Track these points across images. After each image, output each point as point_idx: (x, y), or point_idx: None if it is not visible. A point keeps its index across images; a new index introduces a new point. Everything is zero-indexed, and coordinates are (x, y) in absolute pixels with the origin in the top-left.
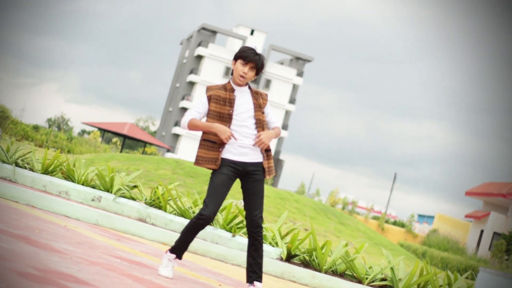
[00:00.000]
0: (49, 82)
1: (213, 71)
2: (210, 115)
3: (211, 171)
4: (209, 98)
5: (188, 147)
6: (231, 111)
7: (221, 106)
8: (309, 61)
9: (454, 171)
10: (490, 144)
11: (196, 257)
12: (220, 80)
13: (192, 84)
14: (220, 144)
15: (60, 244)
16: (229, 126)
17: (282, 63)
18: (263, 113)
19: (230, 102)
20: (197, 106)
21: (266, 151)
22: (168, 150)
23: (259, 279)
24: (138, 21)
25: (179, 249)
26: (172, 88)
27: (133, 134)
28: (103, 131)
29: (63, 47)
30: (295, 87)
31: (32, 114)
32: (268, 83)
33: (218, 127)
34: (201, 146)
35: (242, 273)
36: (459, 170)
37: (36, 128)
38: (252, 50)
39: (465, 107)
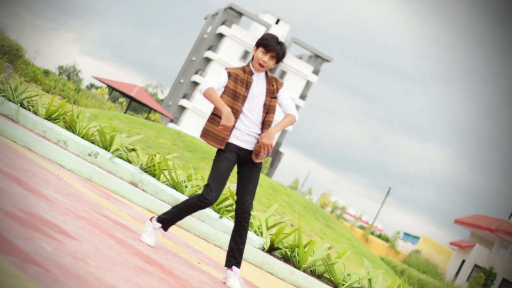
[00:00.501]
0: (69, 30)
1: (231, 52)
2: (226, 91)
3: (212, 148)
4: (229, 75)
5: (192, 121)
6: (246, 93)
7: (238, 86)
8: (327, 61)
9: (447, 197)
10: (487, 178)
11: (181, 231)
12: (236, 62)
13: (208, 60)
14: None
15: (50, 192)
16: (241, 107)
17: (300, 58)
18: (274, 98)
19: (247, 84)
20: (219, 77)
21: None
22: (172, 121)
23: (238, 265)
24: None
25: (168, 222)
26: (187, 61)
27: (140, 98)
28: (111, 89)
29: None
30: (308, 84)
31: (45, 58)
32: (283, 74)
33: (226, 112)
34: (210, 119)
35: (222, 255)
36: (453, 197)
37: (46, 72)
38: (275, 39)
39: (469, 137)
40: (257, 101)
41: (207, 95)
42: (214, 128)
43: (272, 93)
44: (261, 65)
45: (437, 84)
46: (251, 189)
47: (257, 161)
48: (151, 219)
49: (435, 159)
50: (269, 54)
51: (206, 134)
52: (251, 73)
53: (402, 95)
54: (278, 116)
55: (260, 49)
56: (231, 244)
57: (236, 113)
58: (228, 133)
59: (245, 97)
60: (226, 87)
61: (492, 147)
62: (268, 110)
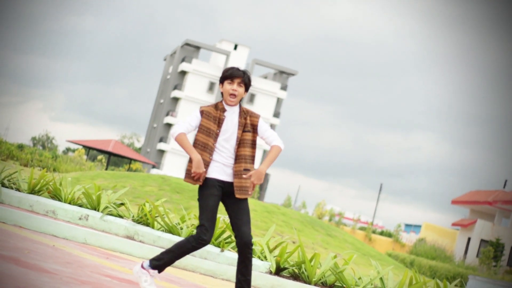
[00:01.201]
0: (34, 101)
1: (197, 87)
2: (200, 129)
3: (197, 187)
4: (202, 113)
5: (173, 163)
6: (218, 131)
7: (211, 123)
8: (293, 74)
9: (440, 181)
10: (475, 154)
11: (186, 273)
12: (204, 95)
13: (176, 99)
14: (207, 162)
15: (50, 264)
16: (214, 144)
17: (266, 77)
18: (246, 131)
19: (219, 122)
20: (190, 119)
21: (245, 170)
22: (154, 166)
23: None
24: (122, 38)
25: (163, 267)
26: (156, 104)
27: (118, 151)
28: (88, 148)
29: (48, 65)
30: (279, 101)
31: (17, 133)
32: (252, 97)
33: (195, 159)
34: (189, 160)
35: (229, 286)
36: (446, 180)
37: (21, 147)
38: (235, 68)
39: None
40: (229, 136)
41: (178, 140)
42: (191, 166)
43: (244, 126)
44: (232, 95)
45: (406, 73)
46: (245, 219)
47: (240, 197)
48: (142, 266)
49: (420, 146)
50: (235, 81)
51: (187, 174)
52: (223, 110)
53: (374, 92)
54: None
55: (226, 82)
56: (238, 276)
57: (210, 149)
58: (204, 171)
59: (217, 134)
60: (200, 125)
61: (474, 123)
62: (240, 143)
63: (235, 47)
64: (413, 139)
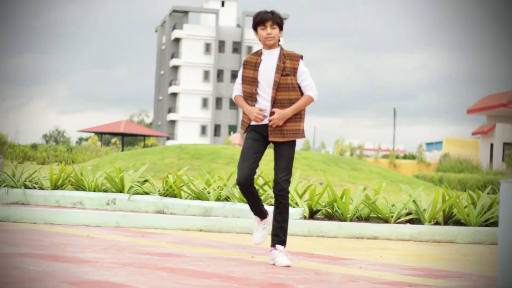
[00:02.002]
0: (38, 99)
1: (193, 51)
2: (243, 80)
3: (217, 149)
4: (243, 64)
5: (186, 130)
6: (256, 75)
7: (249, 70)
8: (285, 19)
9: (452, 93)
10: (481, 59)
11: (222, 235)
12: (202, 57)
13: (176, 68)
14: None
15: (88, 254)
16: (254, 89)
17: None
18: (285, 75)
19: (255, 66)
20: (238, 76)
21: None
22: (168, 138)
23: (282, 243)
24: (110, 19)
25: (255, 212)
26: (157, 77)
27: (130, 130)
28: (100, 134)
29: (43, 61)
30: None
31: (27, 134)
32: (250, 50)
33: (247, 110)
34: (244, 112)
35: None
36: (457, 91)
37: (34, 146)
38: (262, 11)
39: (450, 28)
40: (267, 79)
41: (236, 103)
42: (243, 116)
43: (282, 70)
44: (269, 38)
45: None
46: (282, 166)
47: (273, 139)
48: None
49: (425, 62)
50: (267, 24)
51: (241, 125)
52: (260, 54)
53: (367, 19)
54: None
55: (258, 28)
56: (274, 223)
57: (252, 96)
58: (262, 117)
59: (255, 79)
60: (242, 77)
61: (473, 28)
62: (279, 87)
63: (223, 4)
64: (417, 57)
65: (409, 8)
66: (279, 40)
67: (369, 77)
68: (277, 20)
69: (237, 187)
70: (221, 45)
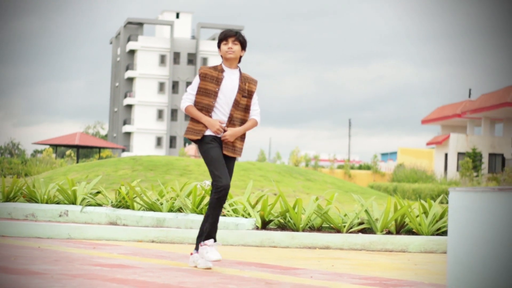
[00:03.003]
0: None
1: (148, 62)
2: (198, 91)
3: (171, 160)
4: (200, 76)
5: (142, 142)
6: (217, 89)
7: (210, 83)
8: (240, 30)
9: (408, 104)
10: (436, 70)
11: (174, 246)
12: (157, 69)
13: (131, 79)
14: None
15: (38, 265)
16: (213, 102)
17: (214, 39)
18: (244, 96)
19: (218, 81)
20: (192, 87)
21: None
22: (123, 150)
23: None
24: (67, 32)
25: (211, 232)
26: (112, 88)
27: (85, 142)
28: (55, 146)
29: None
30: None
31: None
32: (205, 61)
33: (207, 121)
34: (191, 119)
35: (221, 251)
36: (413, 102)
37: None
38: (227, 29)
39: (406, 40)
40: (229, 96)
41: (187, 113)
42: (195, 125)
43: (243, 91)
44: (229, 52)
45: (353, 7)
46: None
47: (226, 153)
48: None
49: (382, 74)
50: (230, 40)
51: (188, 131)
52: (222, 71)
53: (325, 31)
54: None
55: (222, 44)
56: (206, 227)
57: (209, 107)
58: (222, 126)
59: (216, 93)
60: (198, 88)
61: (428, 41)
62: (237, 106)
63: (177, 16)
64: (374, 69)
65: (367, 20)
66: (239, 61)
67: (327, 88)
68: (240, 38)
69: (190, 197)
70: (176, 56)
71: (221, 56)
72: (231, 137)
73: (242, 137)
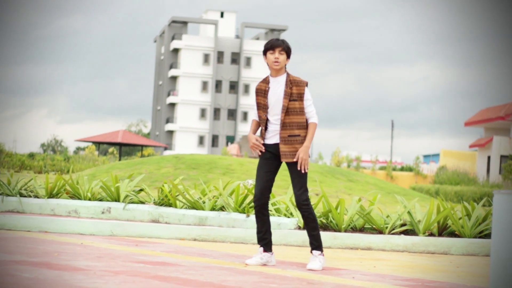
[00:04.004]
0: (38, 108)
1: (192, 61)
2: (257, 106)
3: (213, 159)
4: (256, 92)
5: (184, 140)
6: (266, 101)
7: (261, 97)
8: (284, 30)
9: (451, 106)
10: (481, 72)
11: (216, 245)
12: (200, 68)
13: (174, 78)
14: (263, 134)
15: (81, 262)
16: (265, 115)
17: (258, 38)
18: (293, 100)
19: (265, 93)
20: (255, 103)
21: (290, 136)
22: (166, 148)
23: (317, 248)
24: (112, 31)
25: (259, 241)
26: (156, 87)
27: (128, 140)
28: (97, 144)
29: (46, 71)
30: None
31: (26, 143)
32: (248, 61)
33: (248, 136)
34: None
35: None
36: (456, 104)
37: (31, 155)
38: (274, 39)
39: (451, 41)
40: (277, 106)
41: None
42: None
43: (289, 95)
44: (276, 63)
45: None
46: (295, 182)
47: (285, 160)
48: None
49: (427, 75)
50: (276, 51)
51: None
52: (268, 82)
53: (370, 30)
54: None
55: (268, 53)
56: (307, 232)
57: (263, 121)
58: (262, 144)
59: (266, 105)
60: (256, 104)
61: (473, 42)
62: (287, 111)
63: (222, 15)
64: (418, 69)
65: (412, 21)
66: (285, 67)
67: (370, 89)
68: (286, 48)
69: (233, 196)
70: (220, 55)
71: (267, 64)
72: (304, 155)
73: (303, 139)
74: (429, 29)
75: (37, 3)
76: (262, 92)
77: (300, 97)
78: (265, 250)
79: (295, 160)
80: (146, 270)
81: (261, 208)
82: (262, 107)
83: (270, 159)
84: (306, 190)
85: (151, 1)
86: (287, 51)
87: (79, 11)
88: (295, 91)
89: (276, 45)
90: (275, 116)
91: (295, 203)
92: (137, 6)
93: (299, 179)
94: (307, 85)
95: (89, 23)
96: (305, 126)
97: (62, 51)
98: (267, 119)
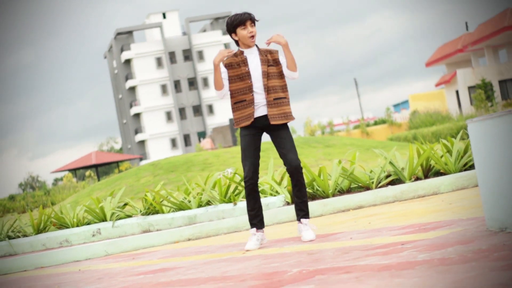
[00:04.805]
0: (8, 150)
1: (145, 68)
2: (231, 80)
3: (189, 158)
4: (226, 66)
5: (157, 147)
6: (247, 69)
7: (237, 69)
8: (228, 16)
9: (409, 51)
10: (430, 11)
11: (211, 240)
12: (155, 72)
13: (133, 88)
14: (248, 101)
15: (83, 287)
16: (250, 83)
17: (205, 30)
18: (271, 65)
19: (244, 62)
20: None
21: (276, 99)
22: (141, 159)
23: (307, 216)
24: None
25: (252, 219)
26: (117, 101)
27: (102, 160)
28: (73, 170)
29: (6, 111)
30: (227, 46)
31: (3, 186)
32: (200, 54)
33: (215, 57)
34: (233, 110)
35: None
36: (414, 48)
37: (12, 197)
38: (239, 14)
39: None
40: (257, 73)
41: (215, 85)
42: (243, 112)
43: (267, 62)
44: (252, 37)
45: None
46: (288, 146)
47: (275, 123)
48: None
49: (380, 27)
50: (247, 24)
51: (238, 121)
52: (242, 52)
53: None
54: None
55: (238, 29)
56: (295, 199)
57: (249, 89)
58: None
59: (248, 73)
60: (229, 77)
61: None
62: (268, 76)
63: (164, 16)
64: (370, 24)
65: None
66: None
67: (328, 52)
68: (254, 19)
69: (216, 189)
70: (172, 56)
71: (237, 41)
72: (279, 37)
73: (286, 101)
74: None
75: None
76: (238, 63)
77: (276, 62)
78: (258, 229)
79: (277, 121)
80: (148, 280)
81: (254, 186)
82: (243, 76)
83: (256, 135)
84: (297, 152)
85: (94, 18)
86: (254, 22)
87: (28, 43)
88: (270, 57)
89: (245, 18)
90: (257, 84)
91: (288, 170)
92: (82, 26)
93: (291, 143)
94: (277, 53)
95: (40, 53)
96: (287, 88)
97: (19, 87)
98: (252, 85)
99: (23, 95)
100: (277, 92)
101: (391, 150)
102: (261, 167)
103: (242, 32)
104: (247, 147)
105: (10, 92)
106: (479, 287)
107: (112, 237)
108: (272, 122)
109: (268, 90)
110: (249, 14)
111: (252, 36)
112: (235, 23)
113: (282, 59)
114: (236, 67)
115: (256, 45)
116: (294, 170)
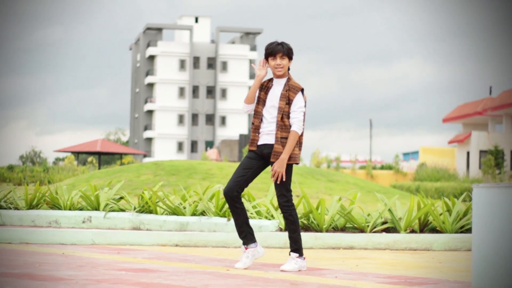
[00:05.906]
0: (17, 120)
1: (168, 68)
2: (256, 100)
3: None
4: (259, 88)
5: (163, 147)
6: (265, 97)
7: (261, 92)
8: (259, 33)
9: (429, 103)
10: (457, 68)
11: (198, 250)
12: (176, 74)
13: (151, 85)
14: (255, 126)
15: (63, 272)
16: (261, 109)
17: (233, 42)
18: (288, 104)
19: (266, 90)
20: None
21: (282, 138)
22: (145, 156)
23: (295, 251)
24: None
25: (238, 235)
26: (133, 94)
27: (107, 149)
28: (76, 154)
29: (25, 83)
30: (252, 62)
31: (4, 155)
32: (224, 65)
33: (262, 72)
34: (252, 130)
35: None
36: (434, 101)
37: (10, 168)
38: (274, 43)
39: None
40: (273, 104)
41: (246, 100)
42: (252, 134)
43: (285, 97)
44: (278, 69)
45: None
46: (277, 184)
47: (273, 160)
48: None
49: (407, 73)
50: (277, 56)
51: (249, 142)
52: (271, 80)
53: (349, 30)
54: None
55: (269, 59)
56: (288, 234)
57: (258, 114)
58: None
59: (264, 100)
60: (258, 98)
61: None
62: (283, 114)
63: (196, 20)
64: (395, 68)
65: (388, 19)
66: (288, 69)
67: (350, 89)
68: (286, 52)
69: (213, 201)
70: (196, 61)
71: (270, 68)
72: (280, 168)
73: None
74: (408, 27)
75: (17, 15)
76: (264, 88)
77: (290, 102)
78: (247, 245)
79: (271, 171)
80: (128, 277)
81: (232, 201)
82: (260, 101)
83: (254, 159)
84: (288, 191)
85: (126, 8)
86: (289, 54)
87: (56, 22)
88: (287, 94)
89: (276, 50)
90: (270, 115)
91: (279, 205)
92: (112, 14)
93: (286, 181)
94: (302, 91)
95: (68, 33)
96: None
97: (41, 63)
98: (263, 115)
99: (42, 71)
100: (287, 131)
101: (392, 198)
102: (261, 189)
103: (271, 62)
104: (240, 165)
105: (30, 65)
106: None
107: (101, 227)
108: (272, 159)
109: (280, 127)
110: (282, 47)
111: (279, 68)
112: (267, 52)
113: (292, 108)
114: (262, 90)
115: (289, 77)
116: (281, 207)
